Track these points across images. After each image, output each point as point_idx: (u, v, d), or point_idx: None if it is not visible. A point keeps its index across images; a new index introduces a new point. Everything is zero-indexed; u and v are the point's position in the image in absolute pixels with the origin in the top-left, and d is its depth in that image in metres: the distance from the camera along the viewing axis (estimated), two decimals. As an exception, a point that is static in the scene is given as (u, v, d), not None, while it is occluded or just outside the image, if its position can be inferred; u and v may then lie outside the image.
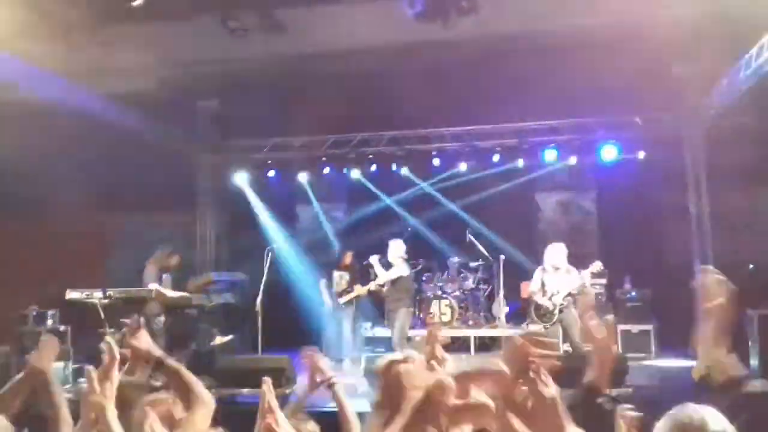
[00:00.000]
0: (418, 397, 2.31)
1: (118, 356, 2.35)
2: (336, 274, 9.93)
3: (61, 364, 8.10)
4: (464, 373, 2.41)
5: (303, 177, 11.85)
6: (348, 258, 10.03)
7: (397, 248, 9.25)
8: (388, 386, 2.39)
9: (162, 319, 8.32)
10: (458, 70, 8.97)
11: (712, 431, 1.84)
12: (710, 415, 1.87)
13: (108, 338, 2.45)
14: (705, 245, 10.18)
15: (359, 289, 9.78)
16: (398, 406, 2.30)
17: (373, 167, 11.43)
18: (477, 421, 2.29)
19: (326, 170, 11.64)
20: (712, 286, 2.24)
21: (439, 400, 2.32)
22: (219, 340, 8.57)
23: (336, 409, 3.24)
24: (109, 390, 2.25)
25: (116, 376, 2.30)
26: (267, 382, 2.31)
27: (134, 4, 7.47)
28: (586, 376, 2.52)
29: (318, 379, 3.30)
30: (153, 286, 8.10)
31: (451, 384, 2.34)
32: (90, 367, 2.28)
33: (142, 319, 7.52)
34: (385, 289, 9.33)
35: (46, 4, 7.14)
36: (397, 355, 2.53)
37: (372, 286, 9.63)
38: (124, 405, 2.56)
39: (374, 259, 9.34)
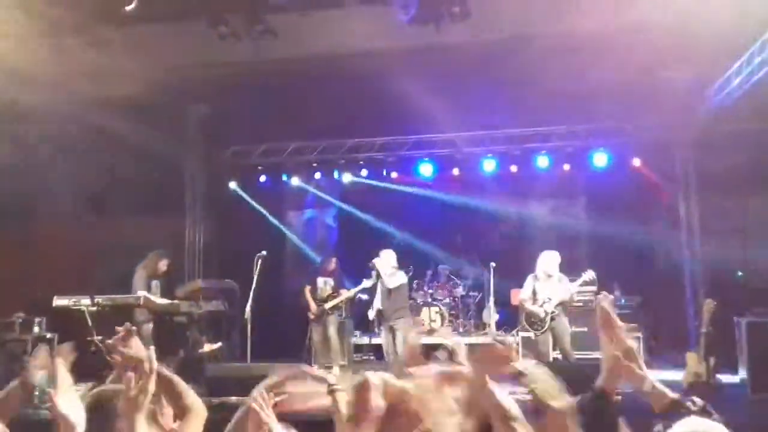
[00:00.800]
0: (382, 409, 2.31)
1: (154, 368, 2.33)
2: (320, 280, 9.88)
3: (46, 372, 7.99)
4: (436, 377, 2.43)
5: (294, 182, 11.81)
6: (332, 264, 9.99)
7: (388, 258, 9.20)
8: (357, 402, 2.38)
9: (150, 326, 8.24)
10: (450, 75, 8.96)
11: None
12: (716, 428, 1.84)
13: (150, 350, 2.41)
14: (694, 252, 10.21)
15: (346, 294, 9.75)
16: (364, 420, 2.29)
17: (364, 173, 11.40)
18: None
19: (317, 176, 11.62)
20: None
21: (403, 409, 2.32)
22: (208, 347, 8.50)
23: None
24: (142, 402, 2.24)
25: (152, 388, 2.29)
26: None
27: (127, 8, 7.43)
28: (598, 381, 2.50)
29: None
30: (141, 293, 8.03)
31: (412, 391, 2.34)
32: (131, 374, 2.27)
33: (134, 327, 7.45)
34: (380, 297, 9.20)
35: (36, 6, 7.09)
36: (373, 376, 2.50)
37: (359, 289, 9.60)
38: (110, 414, 2.51)
39: (380, 263, 9.18)
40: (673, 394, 2.13)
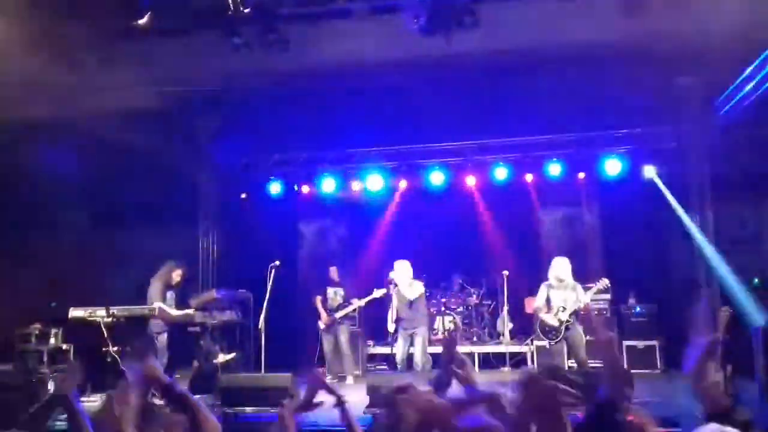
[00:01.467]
0: (416, 421, 2.35)
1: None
2: (330, 290, 9.93)
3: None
4: (460, 400, 2.47)
5: (305, 192, 11.80)
6: (334, 273, 10.03)
7: (404, 269, 9.21)
8: (390, 413, 2.43)
9: (165, 337, 8.28)
10: (461, 84, 8.97)
11: None
12: None
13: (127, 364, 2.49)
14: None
15: (356, 303, 9.78)
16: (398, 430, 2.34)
17: (376, 181, 11.38)
18: None
19: (329, 185, 11.60)
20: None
21: (434, 422, 2.36)
22: (222, 357, 8.52)
23: (343, 428, 3.20)
24: (128, 414, 2.27)
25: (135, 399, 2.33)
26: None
27: (139, 22, 7.50)
28: (602, 392, 2.50)
29: (320, 399, 3.22)
30: (156, 303, 8.07)
31: (444, 405, 2.39)
32: (110, 392, 2.31)
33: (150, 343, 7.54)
34: (397, 308, 9.23)
35: (47, 20, 7.16)
36: (400, 383, 2.54)
37: (369, 299, 9.64)
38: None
39: (397, 276, 9.23)
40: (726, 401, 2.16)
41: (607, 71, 8.01)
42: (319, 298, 9.94)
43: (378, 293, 9.49)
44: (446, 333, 7.58)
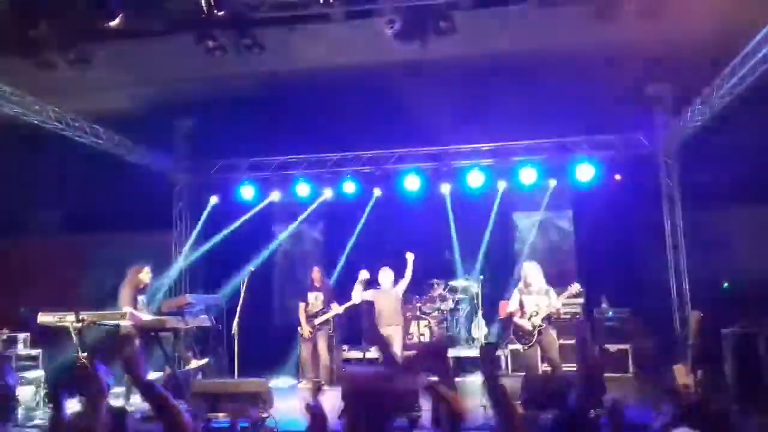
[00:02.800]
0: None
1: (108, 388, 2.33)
2: (311, 295, 9.87)
3: (32, 389, 7.92)
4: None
5: (280, 196, 11.75)
6: (316, 276, 9.98)
7: (387, 276, 9.51)
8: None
9: (136, 342, 8.14)
10: (436, 89, 9.00)
11: None
12: None
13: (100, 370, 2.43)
14: (680, 264, 10.27)
15: (335, 310, 9.76)
16: None
17: (351, 187, 11.37)
18: None
19: (304, 189, 11.57)
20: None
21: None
22: (195, 363, 8.41)
23: None
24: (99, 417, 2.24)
25: (105, 407, 2.29)
26: None
27: (111, 23, 7.41)
28: (572, 398, 2.51)
29: None
30: (127, 308, 7.95)
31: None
32: (78, 398, 2.27)
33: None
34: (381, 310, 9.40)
35: (19, 22, 7.06)
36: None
37: (349, 305, 9.66)
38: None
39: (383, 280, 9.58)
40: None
41: (580, 78, 8.09)
42: (302, 306, 9.86)
43: (356, 299, 9.54)
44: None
